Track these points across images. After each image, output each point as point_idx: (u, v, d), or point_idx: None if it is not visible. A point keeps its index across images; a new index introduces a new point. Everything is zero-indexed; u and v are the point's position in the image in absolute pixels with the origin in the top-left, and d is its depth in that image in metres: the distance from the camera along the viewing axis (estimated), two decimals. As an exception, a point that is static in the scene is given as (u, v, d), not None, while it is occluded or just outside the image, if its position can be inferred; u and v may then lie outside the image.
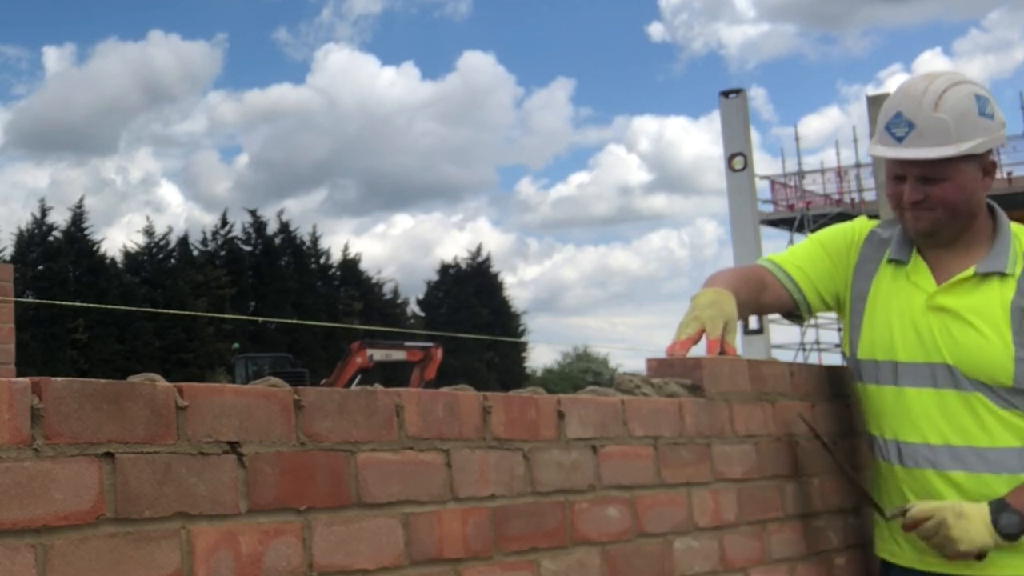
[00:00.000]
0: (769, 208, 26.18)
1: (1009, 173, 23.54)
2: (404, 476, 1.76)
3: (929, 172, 2.40)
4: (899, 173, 2.45)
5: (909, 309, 2.51)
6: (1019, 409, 2.41)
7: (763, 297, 2.65)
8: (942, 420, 2.45)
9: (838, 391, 2.81)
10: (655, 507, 2.20)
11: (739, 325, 2.59)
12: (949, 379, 2.45)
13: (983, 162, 2.44)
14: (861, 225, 2.71)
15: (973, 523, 2.33)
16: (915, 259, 2.54)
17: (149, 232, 46.68)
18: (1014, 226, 2.55)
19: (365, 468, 1.70)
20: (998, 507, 2.35)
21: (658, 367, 2.43)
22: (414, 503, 1.76)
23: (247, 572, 1.54)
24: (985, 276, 2.46)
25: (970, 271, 2.47)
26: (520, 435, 1.96)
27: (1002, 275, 2.46)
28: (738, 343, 2.53)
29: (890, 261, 2.57)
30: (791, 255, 2.73)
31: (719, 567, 2.32)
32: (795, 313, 2.73)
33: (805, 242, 2.79)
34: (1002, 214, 2.56)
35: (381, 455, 1.73)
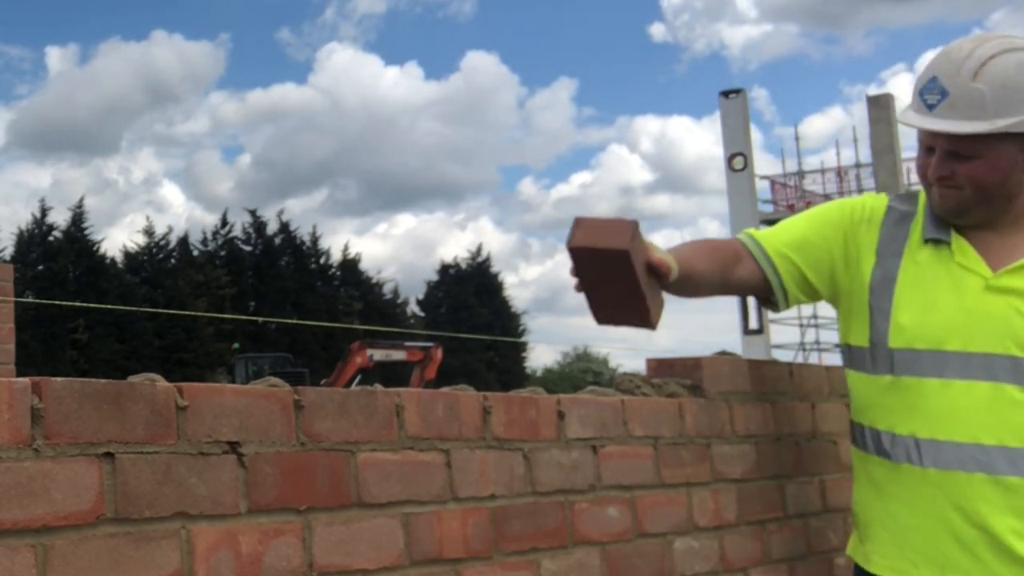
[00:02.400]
0: (769, 208, 26.19)
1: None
2: (404, 476, 1.76)
3: (959, 147, 2.14)
4: (929, 144, 2.19)
5: (960, 293, 2.21)
6: None
7: (732, 274, 2.35)
8: (997, 418, 2.14)
9: (839, 391, 2.81)
10: (655, 507, 2.20)
11: (739, 324, 2.58)
12: (1011, 373, 2.14)
13: None
14: (874, 201, 2.40)
15: None
16: (957, 241, 2.24)
17: (149, 232, 46.71)
18: None
19: (365, 468, 1.70)
20: None
21: (658, 367, 2.43)
22: (414, 503, 1.76)
23: (247, 572, 1.54)
24: None
25: None
26: (520, 435, 1.96)
27: None
28: (738, 343, 2.49)
29: (926, 241, 2.27)
30: (779, 232, 2.42)
31: (719, 567, 2.32)
32: (771, 299, 2.42)
33: (799, 218, 2.45)
34: None
35: (381, 455, 1.73)
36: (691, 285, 2.29)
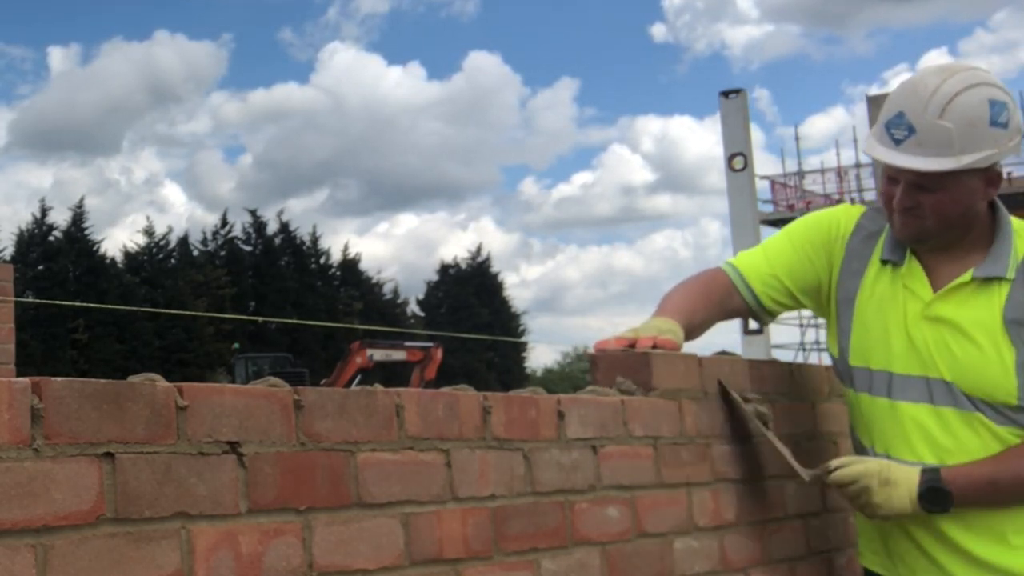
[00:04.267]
0: (769, 208, 26.18)
1: (1009, 173, 23.50)
2: (404, 476, 1.76)
3: (924, 181, 2.22)
4: (892, 175, 2.27)
5: (903, 317, 2.34)
6: (1019, 426, 2.26)
7: (727, 307, 2.52)
8: (939, 439, 2.30)
9: (839, 391, 2.81)
10: (655, 507, 2.20)
11: (739, 324, 2.61)
12: (947, 396, 2.29)
13: (988, 173, 2.25)
14: (846, 216, 2.51)
15: (897, 491, 2.21)
16: (910, 261, 2.36)
17: (149, 232, 46.70)
18: (1016, 223, 2.35)
19: (365, 468, 1.70)
20: (929, 480, 2.22)
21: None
22: (414, 503, 1.76)
23: (247, 572, 1.54)
24: (985, 281, 2.29)
25: (967, 276, 2.29)
26: (520, 435, 1.96)
27: (1001, 280, 2.28)
28: (738, 343, 2.53)
29: (884, 262, 2.39)
30: (759, 256, 2.55)
31: (719, 567, 2.32)
32: (758, 320, 2.60)
33: (779, 236, 2.58)
34: (1003, 212, 2.36)
35: (381, 455, 1.73)
36: (696, 334, 2.46)
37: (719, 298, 2.50)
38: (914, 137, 2.20)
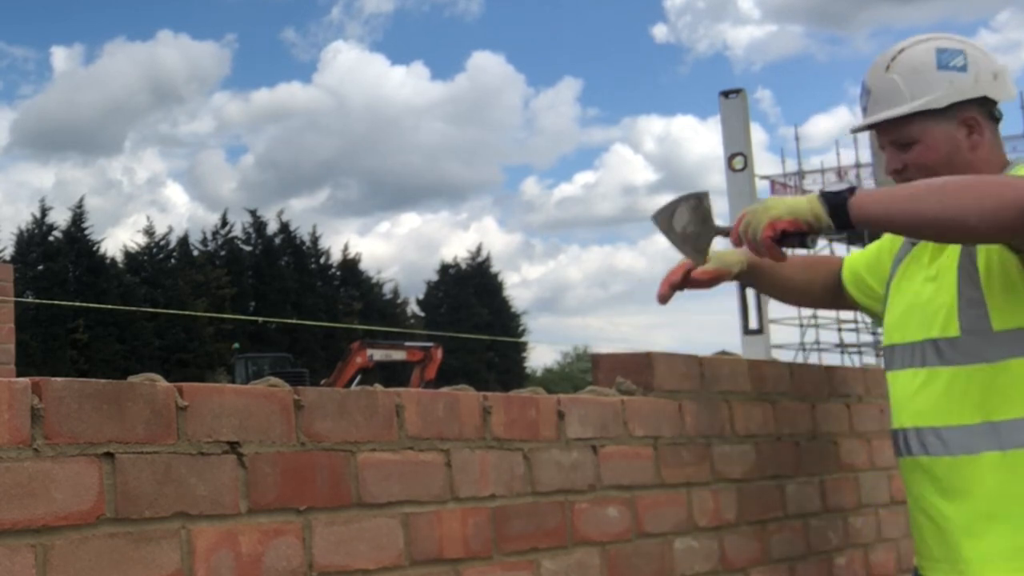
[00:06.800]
0: (769, 208, 26.09)
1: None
2: (404, 476, 1.76)
3: (897, 137, 2.29)
4: (880, 145, 2.35)
5: (915, 289, 2.35)
6: (967, 361, 2.19)
7: (819, 271, 2.61)
8: (921, 402, 2.26)
9: (839, 391, 2.81)
10: (655, 507, 2.20)
11: (739, 324, 2.60)
12: (935, 355, 2.25)
13: (960, 118, 2.25)
14: None
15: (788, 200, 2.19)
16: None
17: (149, 232, 46.70)
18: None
19: (365, 468, 1.70)
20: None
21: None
22: (414, 503, 1.76)
23: (247, 572, 1.54)
24: None
25: None
26: (520, 435, 1.96)
27: None
28: (738, 343, 2.51)
29: (911, 243, 2.41)
30: (861, 253, 2.64)
31: (719, 567, 2.32)
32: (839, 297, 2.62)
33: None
34: (1012, 164, 2.30)
35: (381, 455, 1.73)
36: (772, 283, 2.54)
37: (815, 262, 2.62)
38: (871, 97, 2.34)
